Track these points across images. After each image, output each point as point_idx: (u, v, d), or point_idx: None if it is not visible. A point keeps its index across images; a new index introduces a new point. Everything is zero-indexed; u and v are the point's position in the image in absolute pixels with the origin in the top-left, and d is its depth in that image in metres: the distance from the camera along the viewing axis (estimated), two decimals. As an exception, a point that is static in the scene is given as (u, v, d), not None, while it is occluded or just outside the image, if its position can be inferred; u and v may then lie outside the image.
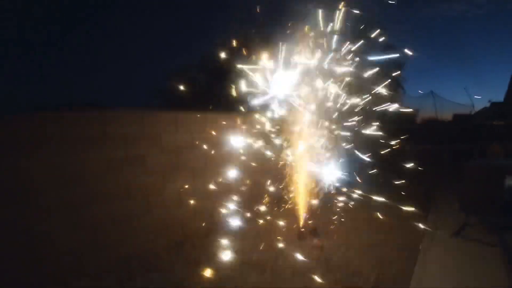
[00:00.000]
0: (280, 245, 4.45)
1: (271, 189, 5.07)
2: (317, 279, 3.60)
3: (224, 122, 5.33)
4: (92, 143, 3.83)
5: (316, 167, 4.79)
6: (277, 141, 4.81)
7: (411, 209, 5.70)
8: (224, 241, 4.54)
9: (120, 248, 4.06)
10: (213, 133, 5.19)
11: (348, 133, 4.86)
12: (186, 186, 4.86)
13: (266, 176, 5.08)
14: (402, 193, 6.63)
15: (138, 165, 4.31)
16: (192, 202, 4.86)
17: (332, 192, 5.02)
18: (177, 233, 4.74)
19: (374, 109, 4.97)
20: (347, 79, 4.64)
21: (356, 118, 4.83)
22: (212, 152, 5.15)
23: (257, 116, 4.85)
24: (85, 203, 3.75)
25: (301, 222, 4.90)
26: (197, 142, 5.06)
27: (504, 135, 12.47)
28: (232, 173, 4.93)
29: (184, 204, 4.83)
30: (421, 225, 5.50)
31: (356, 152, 4.93)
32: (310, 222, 4.97)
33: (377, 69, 4.60)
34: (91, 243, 3.78)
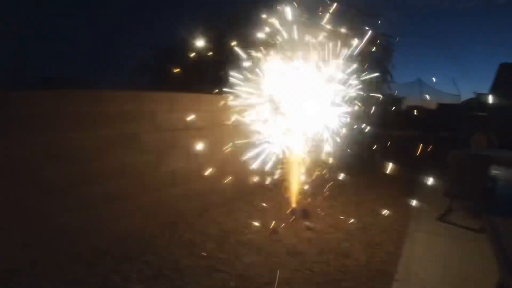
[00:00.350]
0: (274, 225, 4.58)
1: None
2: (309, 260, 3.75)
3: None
4: (84, 122, 3.81)
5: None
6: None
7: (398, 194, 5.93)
8: (218, 221, 4.64)
9: (115, 229, 4.10)
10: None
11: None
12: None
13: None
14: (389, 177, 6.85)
15: (132, 144, 4.32)
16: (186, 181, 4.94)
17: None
18: (171, 213, 4.79)
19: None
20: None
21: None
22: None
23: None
24: (78, 182, 3.76)
25: (294, 201, 5.03)
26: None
27: (488, 126, 12.78)
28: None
29: (178, 183, 4.89)
30: (407, 208, 5.74)
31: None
32: (301, 203, 5.10)
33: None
34: (85, 223, 3.80)
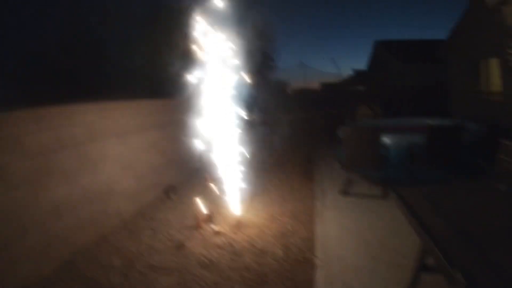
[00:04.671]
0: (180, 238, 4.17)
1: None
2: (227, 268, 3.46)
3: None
4: None
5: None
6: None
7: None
8: (119, 247, 4.05)
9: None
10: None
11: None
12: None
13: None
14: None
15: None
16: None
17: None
18: (64, 249, 3.97)
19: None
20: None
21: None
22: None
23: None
24: None
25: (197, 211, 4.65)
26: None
27: (368, 98, 14.04)
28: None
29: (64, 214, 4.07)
30: (310, 189, 5.84)
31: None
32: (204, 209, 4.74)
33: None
34: None
